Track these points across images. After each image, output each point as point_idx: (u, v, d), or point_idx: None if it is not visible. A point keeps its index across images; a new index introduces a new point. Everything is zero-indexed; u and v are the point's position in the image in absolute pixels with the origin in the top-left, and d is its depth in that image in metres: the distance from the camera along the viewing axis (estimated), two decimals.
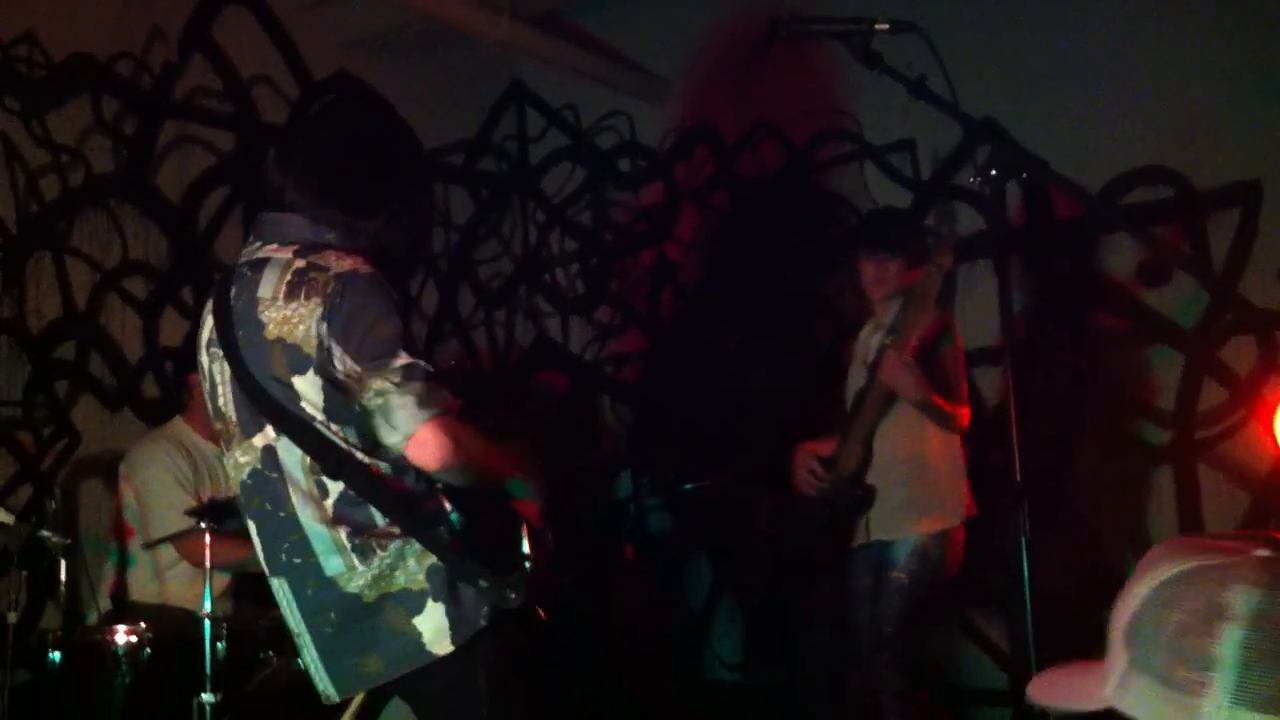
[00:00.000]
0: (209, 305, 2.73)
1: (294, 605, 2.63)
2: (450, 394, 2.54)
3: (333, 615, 2.58)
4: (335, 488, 2.56)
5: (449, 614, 2.53)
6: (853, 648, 4.32)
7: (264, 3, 5.91)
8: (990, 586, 5.05)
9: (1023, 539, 2.51)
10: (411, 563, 2.54)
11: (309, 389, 2.53)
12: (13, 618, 3.84)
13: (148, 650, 4.00)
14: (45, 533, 3.97)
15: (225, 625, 4.04)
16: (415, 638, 2.53)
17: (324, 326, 2.49)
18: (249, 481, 2.64)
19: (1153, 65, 5.23)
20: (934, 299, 4.26)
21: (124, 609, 4.46)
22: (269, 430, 2.59)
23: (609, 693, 5.55)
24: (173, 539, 4.39)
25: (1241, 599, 1.21)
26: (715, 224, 6.69)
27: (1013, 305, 2.64)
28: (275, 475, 2.59)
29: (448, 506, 2.61)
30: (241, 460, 2.64)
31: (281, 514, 2.59)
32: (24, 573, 3.96)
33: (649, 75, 6.72)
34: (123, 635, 4.00)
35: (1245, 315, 5.11)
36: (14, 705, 3.88)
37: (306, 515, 2.56)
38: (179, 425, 4.70)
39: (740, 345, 6.41)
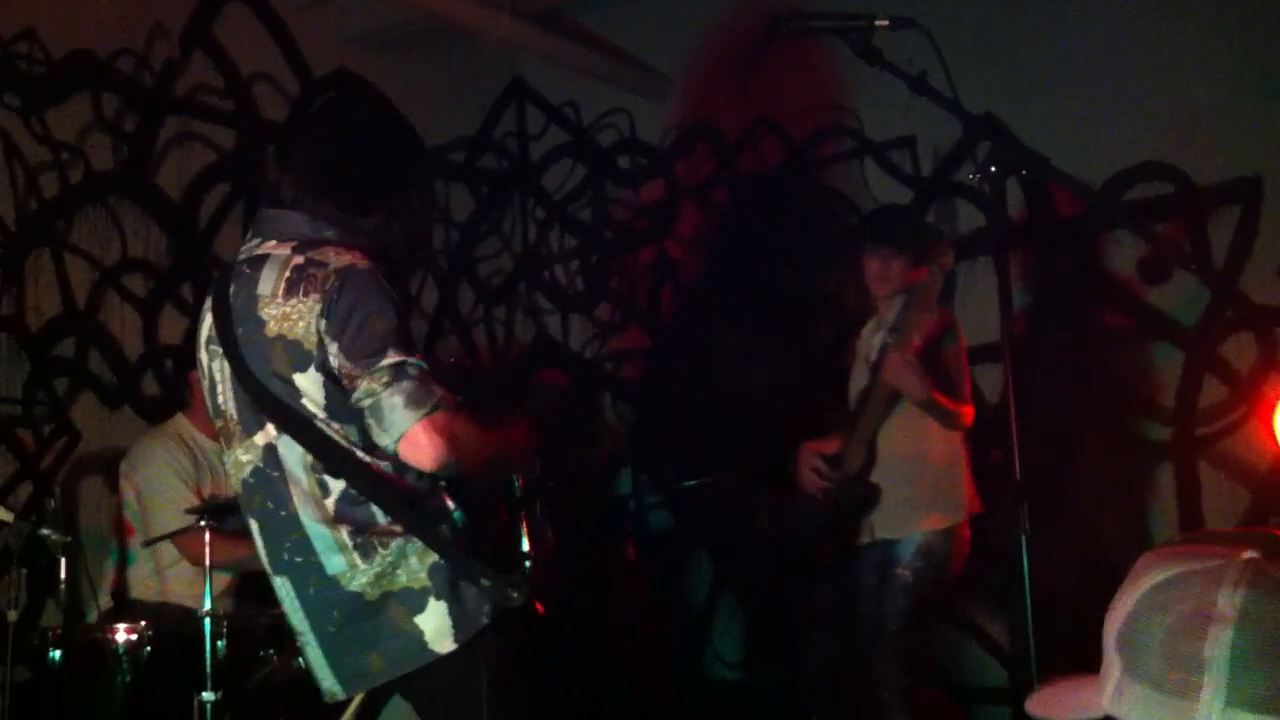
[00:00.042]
0: (208, 302, 2.72)
1: (296, 604, 2.63)
2: (445, 389, 2.52)
3: (335, 614, 2.57)
4: (337, 486, 2.55)
5: (451, 612, 2.52)
6: (855, 645, 4.33)
7: (265, 0, 5.91)
8: (990, 584, 5.05)
9: (1023, 537, 2.51)
10: (413, 561, 2.53)
11: (310, 386, 2.52)
12: (13, 616, 3.84)
13: (148, 648, 4.00)
14: (45, 531, 3.97)
15: (226, 623, 4.05)
16: (417, 636, 2.52)
17: (322, 323, 2.49)
18: (250, 480, 2.63)
19: (1153, 65, 5.23)
20: (936, 298, 4.26)
21: (125, 607, 4.46)
22: (270, 428, 2.58)
23: (609, 691, 5.55)
24: (172, 537, 4.39)
25: (1229, 599, 1.21)
26: (716, 221, 6.69)
27: (1013, 302, 2.63)
28: (277, 474, 2.59)
29: (450, 504, 2.60)
30: (243, 459, 2.64)
31: (283, 513, 2.58)
32: (24, 571, 3.95)
33: (650, 72, 6.72)
34: (123, 633, 4.00)
35: (1246, 312, 5.12)
36: (14, 703, 3.88)
37: (308, 514, 2.56)
38: (181, 422, 4.70)
39: (741, 342, 6.41)
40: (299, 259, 2.55)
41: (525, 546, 4.04)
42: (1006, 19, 5.59)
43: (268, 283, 2.56)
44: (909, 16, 2.65)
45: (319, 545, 2.55)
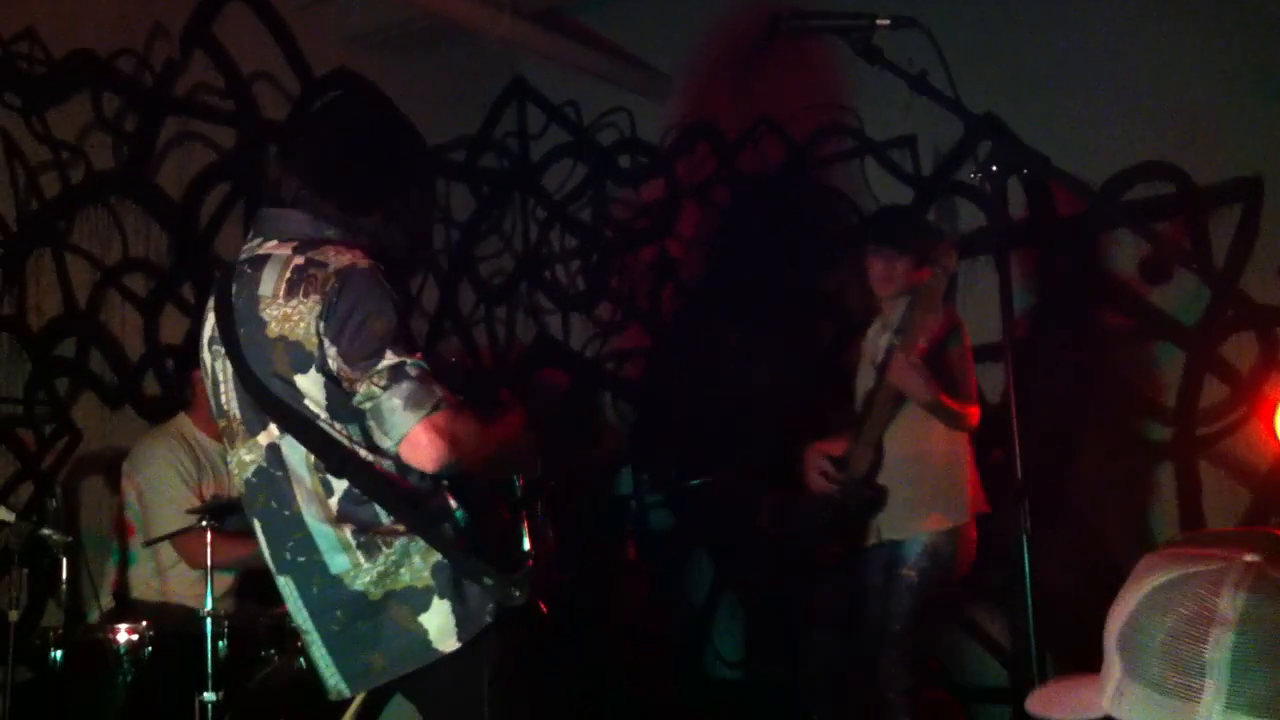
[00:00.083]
0: (211, 302, 2.72)
1: (300, 603, 2.63)
2: (445, 389, 2.52)
3: (338, 613, 2.57)
4: (340, 485, 2.55)
5: (455, 611, 2.52)
6: (860, 645, 4.33)
7: (265, 0, 5.91)
8: (991, 584, 5.04)
9: (1024, 536, 2.51)
10: (417, 560, 2.53)
11: (311, 387, 2.53)
12: (14, 616, 3.84)
13: (149, 648, 4.00)
14: (46, 531, 3.97)
15: (227, 623, 4.05)
16: (421, 635, 2.52)
17: (322, 324, 2.49)
18: (254, 479, 2.63)
19: (1153, 65, 5.23)
20: (940, 299, 4.26)
21: (126, 607, 4.46)
22: (273, 428, 2.59)
23: (609, 691, 5.55)
24: (172, 538, 4.39)
25: (1230, 602, 1.21)
26: (716, 220, 6.69)
27: (1013, 302, 2.63)
28: (280, 473, 2.59)
29: (452, 503, 2.60)
30: (246, 458, 2.64)
31: (286, 512, 2.59)
32: (25, 571, 3.95)
33: (650, 71, 6.72)
34: (124, 633, 4.00)
35: (1246, 311, 5.12)
36: (15, 703, 3.88)
37: (311, 513, 2.56)
38: (183, 422, 4.70)
39: (741, 342, 6.41)
40: (299, 259, 2.55)
41: (526, 546, 4.04)
42: (1006, 19, 5.59)
43: (269, 283, 2.56)
44: (909, 16, 2.65)
45: (322, 544, 2.56)
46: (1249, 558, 1.24)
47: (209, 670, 3.82)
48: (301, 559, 2.58)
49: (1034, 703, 1.43)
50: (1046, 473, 3.70)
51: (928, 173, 5.89)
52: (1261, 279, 5.08)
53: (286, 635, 4.03)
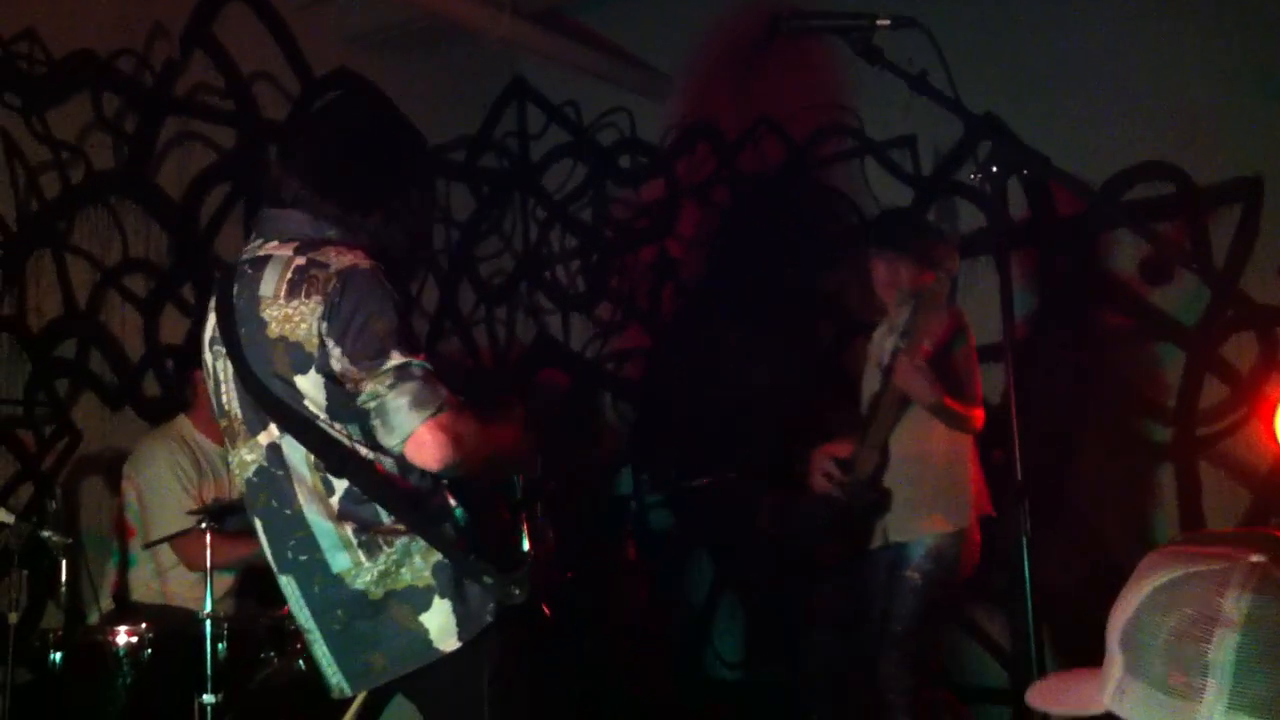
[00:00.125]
0: (212, 302, 2.73)
1: (302, 602, 2.63)
2: (448, 389, 2.53)
3: (339, 612, 2.57)
4: (340, 485, 2.56)
5: (455, 611, 2.53)
6: (860, 646, 4.33)
7: (265, 0, 5.91)
8: (991, 585, 5.04)
9: (1024, 537, 2.51)
10: (418, 559, 2.53)
11: (311, 388, 2.53)
12: (14, 618, 3.84)
13: (149, 650, 4.00)
14: (46, 532, 3.97)
15: (226, 625, 4.04)
16: (422, 635, 2.53)
17: (324, 325, 2.49)
18: (255, 479, 2.64)
19: (1153, 65, 5.23)
20: (944, 302, 4.26)
21: (126, 609, 4.45)
22: (273, 428, 2.59)
23: (609, 691, 5.55)
24: (171, 539, 4.39)
25: (1235, 604, 1.21)
26: (716, 220, 6.69)
27: (1014, 302, 2.63)
28: (281, 472, 2.59)
29: (452, 503, 2.61)
30: (247, 458, 2.64)
31: (288, 511, 2.59)
32: (25, 572, 3.94)
33: (650, 71, 6.72)
34: (124, 635, 3.99)
35: (1246, 312, 5.11)
36: (15, 705, 3.88)
37: (312, 511, 2.56)
38: (183, 423, 4.70)
39: (741, 342, 6.41)
40: (300, 260, 2.56)
41: (526, 546, 4.05)
42: (1006, 19, 5.59)
43: (269, 284, 2.56)
44: (910, 16, 2.65)
45: (324, 542, 2.56)
46: (1254, 558, 1.23)
47: (209, 672, 3.82)
48: (303, 558, 2.59)
49: (1034, 696, 1.43)
50: (1046, 473, 3.69)
51: (928, 173, 5.89)
52: (1261, 279, 5.08)
53: (286, 637, 4.03)
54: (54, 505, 4.59)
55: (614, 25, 6.63)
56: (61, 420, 5.09)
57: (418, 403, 2.46)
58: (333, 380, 2.51)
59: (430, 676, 2.56)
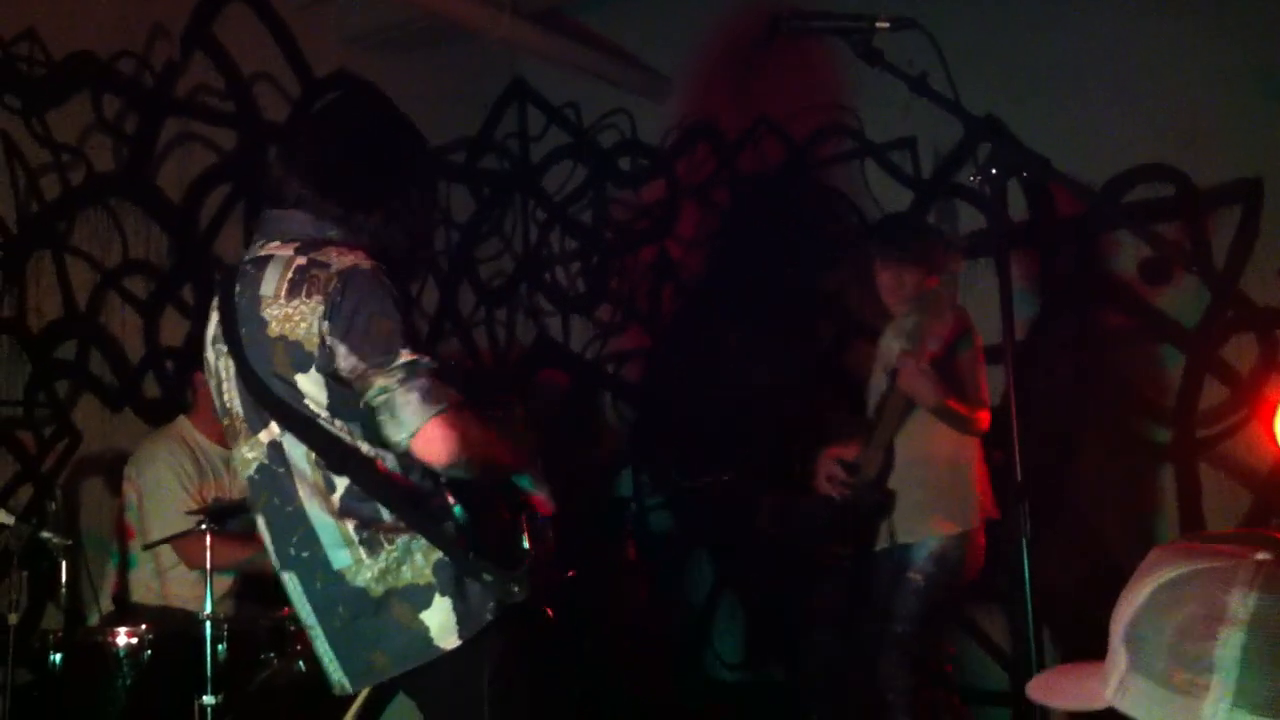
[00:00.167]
0: (214, 302, 2.73)
1: (304, 599, 2.64)
2: (454, 389, 2.53)
3: (341, 609, 2.58)
4: (342, 482, 2.56)
5: (456, 609, 2.53)
6: (860, 646, 4.33)
7: (265, 0, 5.91)
8: (991, 586, 5.04)
9: (1024, 538, 2.51)
10: (418, 558, 2.54)
11: (312, 386, 2.53)
12: (14, 619, 3.84)
13: (149, 651, 4.00)
14: (46, 533, 3.97)
15: (226, 626, 4.04)
16: (423, 633, 2.53)
17: (325, 325, 2.50)
18: (256, 477, 2.64)
19: (1153, 65, 5.23)
20: (948, 305, 4.26)
21: (126, 610, 4.46)
22: (274, 425, 2.60)
23: (609, 691, 5.55)
24: (171, 540, 4.38)
25: (1241, 602, 1.20)
26: (716, 221, 6.69)
27: (1014, 303, 2.63)
28: (282, 470, 2.60)
29: (452, 502, 2.61)
30: (249, 456, 2.65)
31: (289, 508, 2.60)
32: (25, 573, 3.95)
33: (650, 72, 6.72)
34: (124, 636, 4.00)
35: (1246, 313, 5.12)
36: (15, 706, 3.88)
37: (314, 508, 2.57)
38: (183, 424, 4.70)
39: (741, 342, 6.41)
40: (301, 260, 2.56)
41: (525, 546, 4.04)
42: (1006, 19, 5.59)
43: (270, 284, 2.57)
44: (909, 17, 2.65)
45: (326, 539, 2.56)
46: (1260, 556, 1.23)
47: (208, 673, 3.82)
48: (305, 554, 2.59)
49: (1035, 689, 1.42)
50: (1047, 473, 3.70)
51: (928, 174, 5.89)
52: (1261, 280, 5.08)
53: (286, 638, 4.03)
54: (54, 506, 4.60)
55: (614, 25, 6.63)
56: (61, 421, 5.09)
57: (428, 398, 2.47)
58: (334, 379, 2.52)
59: (430, 675, 2.56)
